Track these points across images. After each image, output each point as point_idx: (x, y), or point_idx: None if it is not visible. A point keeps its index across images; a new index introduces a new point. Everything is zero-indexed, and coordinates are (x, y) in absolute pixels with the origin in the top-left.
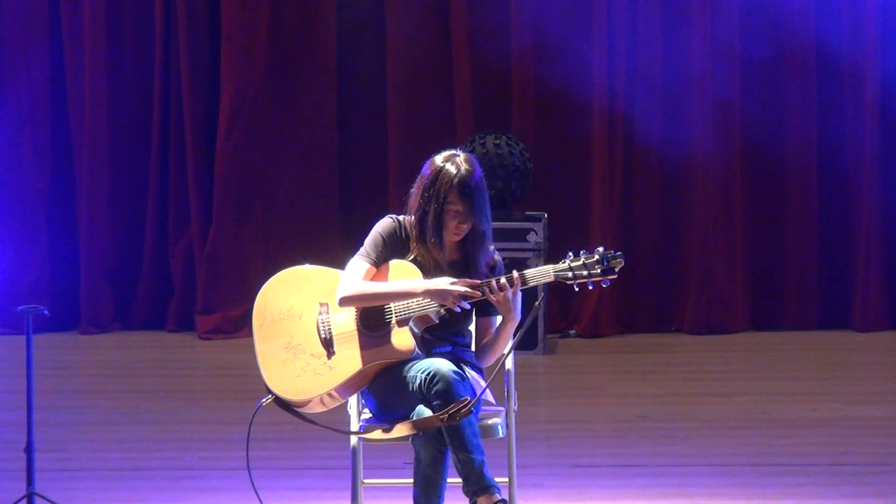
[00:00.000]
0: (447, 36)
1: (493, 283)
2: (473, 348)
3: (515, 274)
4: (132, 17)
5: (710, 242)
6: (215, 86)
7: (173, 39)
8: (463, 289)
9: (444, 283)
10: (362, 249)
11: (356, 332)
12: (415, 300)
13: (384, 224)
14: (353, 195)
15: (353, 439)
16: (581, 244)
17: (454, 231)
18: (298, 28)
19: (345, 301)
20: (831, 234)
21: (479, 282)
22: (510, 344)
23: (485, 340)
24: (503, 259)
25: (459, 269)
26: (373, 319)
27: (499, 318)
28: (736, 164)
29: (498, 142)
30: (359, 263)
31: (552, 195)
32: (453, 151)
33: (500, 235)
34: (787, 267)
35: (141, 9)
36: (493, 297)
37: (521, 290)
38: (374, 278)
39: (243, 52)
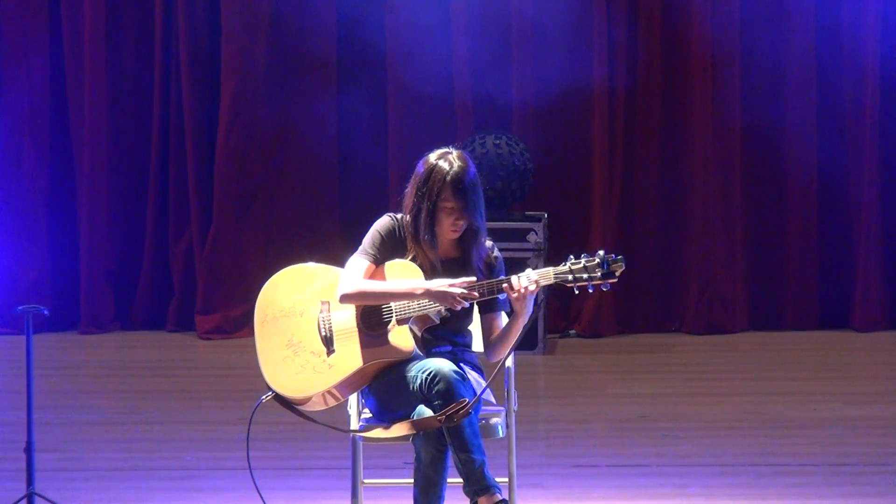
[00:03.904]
0: (447, 34)
1: (513, 280)
2: (479, 345)
3: (535, 276)
4: (132, 17)
5: (710, 242)
6: (215, 86)
7: (173, 39)
8: (461, 290)
9: (443, 284)
10: (361, 247)
11: (356, 331)
12: (415, 301)
13: (383, 222)
14: (353, 195)
15: (354, 439)
16: (581, 244)
17: (450, 228)
18: (298, 28)
19: (345, 298)
20: (831, 234)
21: (477, 282)
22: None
23: (493, 336)
24: (503, 258)
25: (457, 266)
26: (373, 318)
27: (503, 314)
28: (736, 163)
29: (498, 142)
30: (358, 261)
31: (552, 195)
32: (446, 149)
33: (500, 235)
34: (787, 267)
35: (141, 8)
36: (513, 295)
37: None
38: (373, 276)
39: (243, 52)
